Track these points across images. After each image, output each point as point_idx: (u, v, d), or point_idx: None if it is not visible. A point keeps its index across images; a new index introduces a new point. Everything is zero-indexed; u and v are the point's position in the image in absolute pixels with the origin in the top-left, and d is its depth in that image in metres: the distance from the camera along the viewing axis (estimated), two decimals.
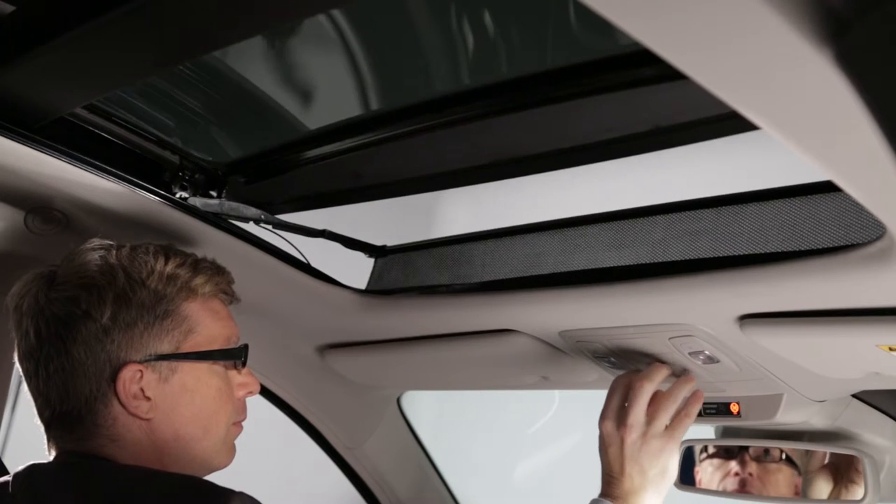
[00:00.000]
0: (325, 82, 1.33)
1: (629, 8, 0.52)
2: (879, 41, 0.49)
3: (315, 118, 1.39)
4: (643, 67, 1.01)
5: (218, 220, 1.37)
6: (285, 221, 1.47)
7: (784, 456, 1.53)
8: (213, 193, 1.46)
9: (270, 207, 1.48)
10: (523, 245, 1.38)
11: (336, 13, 1.15)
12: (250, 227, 1.46)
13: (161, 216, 1.31)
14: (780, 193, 1.13)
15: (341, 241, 1.52)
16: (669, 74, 0.88)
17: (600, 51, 1.06)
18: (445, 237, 1.51)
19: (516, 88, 1.15)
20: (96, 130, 1.31)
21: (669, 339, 1.28)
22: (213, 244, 1.37)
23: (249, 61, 1.28)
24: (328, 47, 1.23)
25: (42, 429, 1.11)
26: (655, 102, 1.08)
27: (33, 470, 1.04)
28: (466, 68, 1.21)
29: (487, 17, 1.13)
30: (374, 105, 1.30)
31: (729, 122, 1.02)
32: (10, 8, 1.01)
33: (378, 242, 1.62)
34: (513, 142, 1.24)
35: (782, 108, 0.61)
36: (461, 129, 1.22)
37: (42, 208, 1.31)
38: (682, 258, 1.20)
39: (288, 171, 1.44)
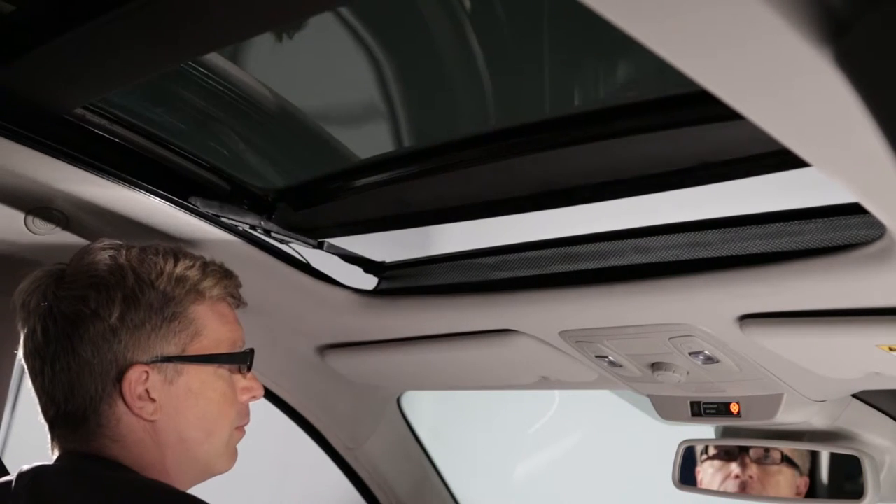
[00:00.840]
0: (376, 115, 1.37)
1: (629, 9, 0.52)
2: (879, 41, 0.49)
3: (364, 148, 1.42)
4: (692, 108, 1.03)
5: (219, 220, 1.37)
6: (284, 231, 1.47)
7: (784, 457, 1.53)
8: (263, 217, 1.48)
9: (318, 232, 1.51)
10: (527, 261, 1.38)
11: (386, 48, 1.20)
12: None
13: (161, 216, 1.31)
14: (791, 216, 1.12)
15: (339, 254, 1.53)
16: (719, 115, 0.92)
17: (648, 92, 1.09)
18: (445, 253, 1.52)
19: (562, 126, 1.18)
20: (152, 157, 1.34)
21: (669, 339, 1.28)
22: (214, 244, 1.37)
23: (303, 93, 1.32)
24: (381, 82, 1.27)
25: (44, 427, 1.10)
26: (703, 140, 1.09)
27: (39, 472, 1.04)
28: (513, 106, 1.25)
29: (537, 59, 1.17)
30: (425, 138, 1.34)
31: (774, 160, 1.03)
32: (10, 8, 1.01)
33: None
34: (558, 174, 1.26)
35: (782, 107, 0.61)
36: (508, 162, 1.24)
37: (42, 208, 1.31)
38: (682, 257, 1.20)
39: (336, 199, 1.47)
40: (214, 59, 1.21)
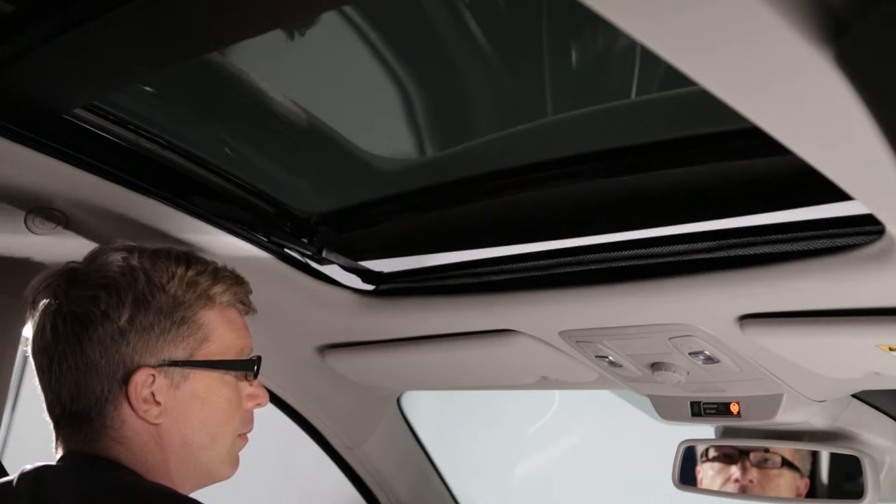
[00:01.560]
0: (421, 142, 1.39)
1: (630, 9, 0.52)
2: (879, 41, 0.49)
3: (406, 176, 1.44)
4: (731, 142, 1.05)
5: (219, 221, 1.37)
6: (283, 235, 1.48)
7: (784, 461, 1.53)
8: (305, 240, 1.50)
9: (359, 254, 1.54)
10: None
11: (425, 77, 1.23)
12: None
13: (160, 216, 1.31)
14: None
15: (339, 264, 1.54)
16: (759, 149, 0.94)
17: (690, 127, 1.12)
18: (443, 264, 1.53)
19: (600, 157, 1.20)
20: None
21: (669, 339, 1.28)
22: (214, 244, 1.37)
23: (347, 121, 1.35)
24: (422, 113, 1.30)
25: (44, 428, 1.11)
26: (742, 173, 1.11)
27: (41, 472, 1.04)
28: (554, 138, 1.27)
29: (579, 90, 1.20)
30: (468, 167, 1.35)
31: (818, 194, 1.04)
32: (10, 8, 1.01)
33: None
34: (594, 203, 1.28)
35: (782, 108, 0.61)
36: (550, 191, 1.27)
37: (42, 208, 1.31)
38: (681, 258, 1.20)
39: (378, 224, 1.49)
40: (247, 76, 1.23)
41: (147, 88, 1.28)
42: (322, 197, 1.56)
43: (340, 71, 1.24)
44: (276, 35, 1.08)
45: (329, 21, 1.11)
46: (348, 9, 1.10)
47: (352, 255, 1.53)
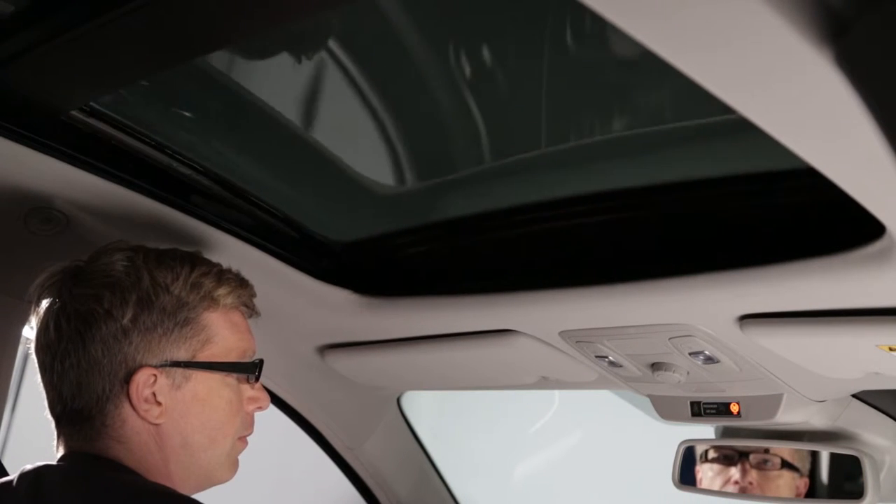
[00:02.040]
0: (444, 179, 1.41)
1: (629, 8, 0.52)
2: (879, 41, 0.49)
3: (431, 210, 1.46)
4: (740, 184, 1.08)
5: (218, 221, 1.37)
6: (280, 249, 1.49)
7: (784, 463, 1.53)
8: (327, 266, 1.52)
9: (383, 285, 1.54)
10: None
11: (447, 110, 1.25)
12: None
13: (160, 217, 1.31)
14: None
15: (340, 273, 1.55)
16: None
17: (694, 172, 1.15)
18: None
19: (628, 196, 1.22)
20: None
21: (669, 339, 1.28)
22: (213, 245, 1.37)
23: (374, 160, 1.37)
24: (446, 149, 1.32)
25: (44, 428, 1.11)
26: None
27: (41, 472, 1.04)
28: (582, 174, 1.29)
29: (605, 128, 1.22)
30: (491, 204, 1.37)
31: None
32: (10, 8, 1.01)
33: None
34: (620, 244, 1.29)
35: (782, 107, 0.61)
36: (573, 229, 1.29)
37: (42, 208, 1.31)
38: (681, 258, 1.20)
39: (400, 255, 1.50)
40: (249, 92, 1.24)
41: (151, 91, 1.28)
42: (346, 225, 1.57)
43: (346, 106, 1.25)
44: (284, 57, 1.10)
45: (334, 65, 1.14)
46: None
47: (376, 281, 1.54)
